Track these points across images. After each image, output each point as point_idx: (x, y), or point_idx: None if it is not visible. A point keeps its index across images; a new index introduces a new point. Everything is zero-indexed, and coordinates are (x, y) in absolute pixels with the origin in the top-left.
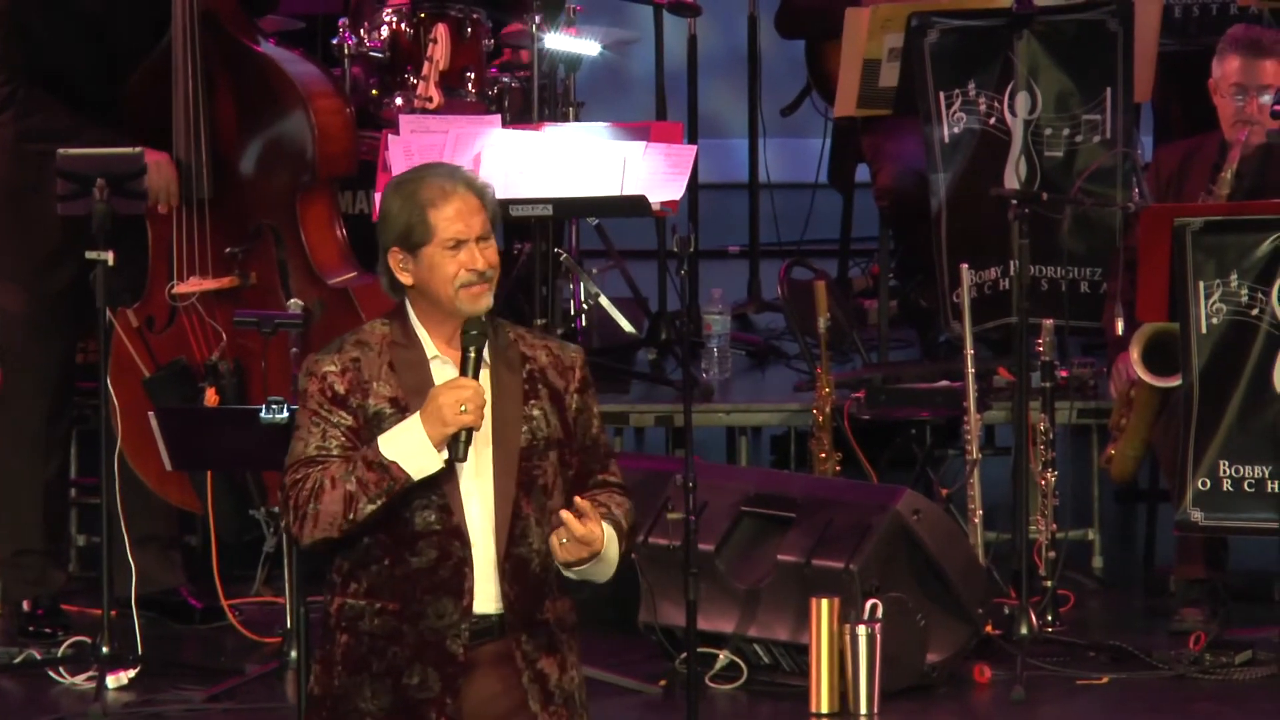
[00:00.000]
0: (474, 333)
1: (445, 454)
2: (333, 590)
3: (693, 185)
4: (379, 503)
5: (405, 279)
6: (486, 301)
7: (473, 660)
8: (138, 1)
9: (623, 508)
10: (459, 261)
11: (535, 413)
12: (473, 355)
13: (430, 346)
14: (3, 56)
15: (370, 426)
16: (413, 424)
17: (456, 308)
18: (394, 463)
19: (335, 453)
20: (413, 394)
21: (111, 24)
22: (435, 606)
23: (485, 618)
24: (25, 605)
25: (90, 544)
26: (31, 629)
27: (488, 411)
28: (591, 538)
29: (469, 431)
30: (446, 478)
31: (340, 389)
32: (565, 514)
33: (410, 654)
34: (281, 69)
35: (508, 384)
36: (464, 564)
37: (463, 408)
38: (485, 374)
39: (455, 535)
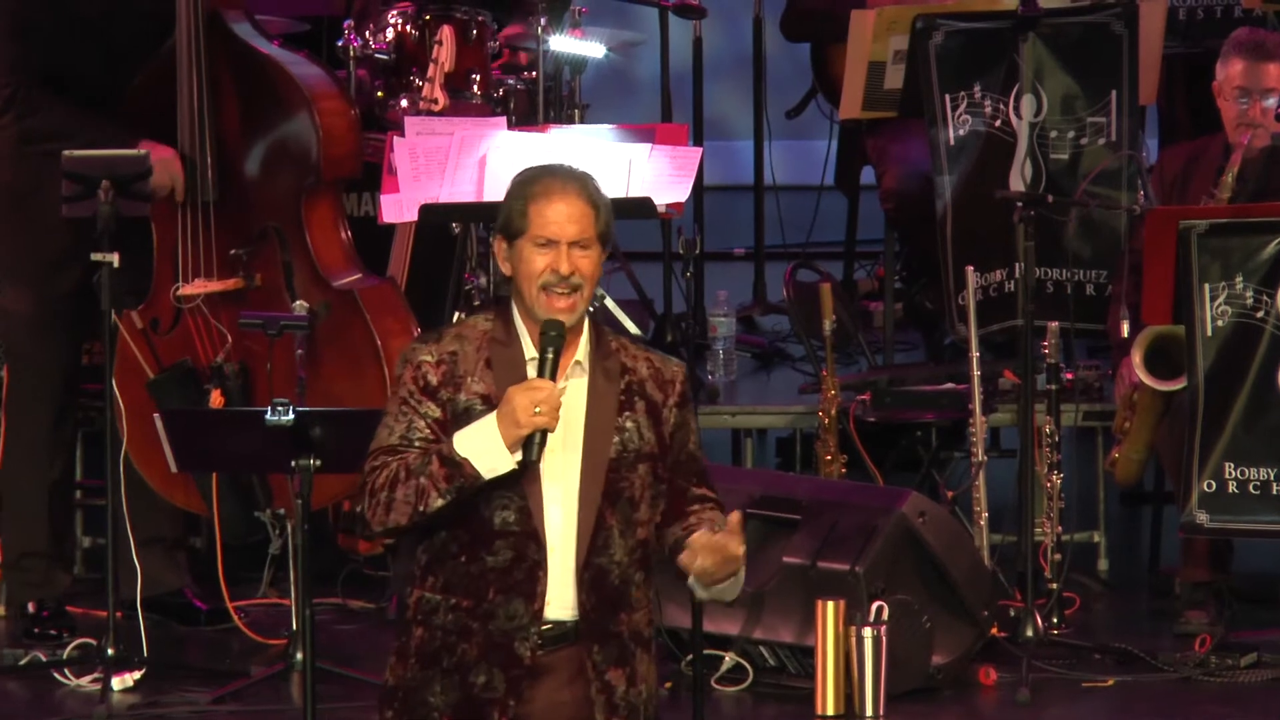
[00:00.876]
0: (553, 334)
1: (519, 455)
2: (412, 582)
3: (698, 187)
4: (448, 498)
5: (505, 269)
6: (566, 311)
7: (542, 665)
8: (140, 2)
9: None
10: (546, 260)
11: (629, 425)
12: (550, 356)
13: (529, 347)
14: (5, 58)
15: (458, 421)
16: (488, 423)
17: (537, 309)
18: (466, 460)
19: (417, 444)
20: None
21: (114, 25)
22: (507, 608)
23: (560, 624)
24: (30, 607)
25: (95, 546)
26: (36, 631)
27: (580, 419)
28: (740, 555)
29: (543, 433)
30: (529, 480)
31: (433, 380)
32: (733, 518)
33: (478, 653)
34: (286, 71)
35: (604, 393)
36: (538, 567)
37: (537, 409)
38: (583, 381)
39: (532, 538)
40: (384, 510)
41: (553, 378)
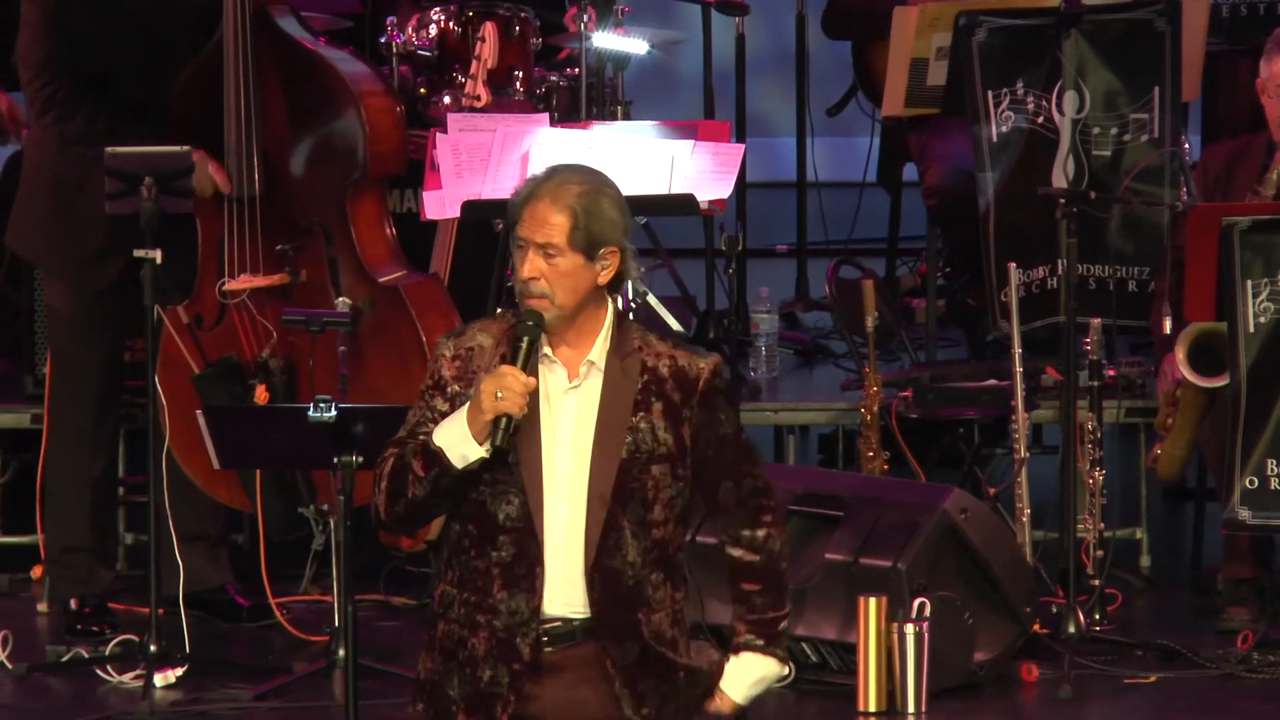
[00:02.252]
0: (529, 322)
1: (490, 444)
2: (438, 577)
3: (740, 184)
4: (427, 488)
5: None
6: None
7: (550, 663)
8: (183, 0)
9: (767, 593)
10: (520, 260)
11: (643, 425)
12: (524, 345)
13: (544, 343)
14: (47, 58)
15: None
16: (461, 413)
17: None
18: (440, 450)
19: (420, 437)
20: None
21: (158, 23)
22: (509, 603)
23: (567, 621)
24: (72, 604)
25: (138, 542)
26: (79, 627)
27: (593, 419)
28: None
29: (509, 419)
30: (531, 476)
31: (446, 374)
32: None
33: (485, 648)
34: (333, 67)
35: (619, 393)
36: (536, 564)
37: (498, 395)
38: (598, 381)
39: (531, 535)
40: (384, 500)
41: (524, 366)
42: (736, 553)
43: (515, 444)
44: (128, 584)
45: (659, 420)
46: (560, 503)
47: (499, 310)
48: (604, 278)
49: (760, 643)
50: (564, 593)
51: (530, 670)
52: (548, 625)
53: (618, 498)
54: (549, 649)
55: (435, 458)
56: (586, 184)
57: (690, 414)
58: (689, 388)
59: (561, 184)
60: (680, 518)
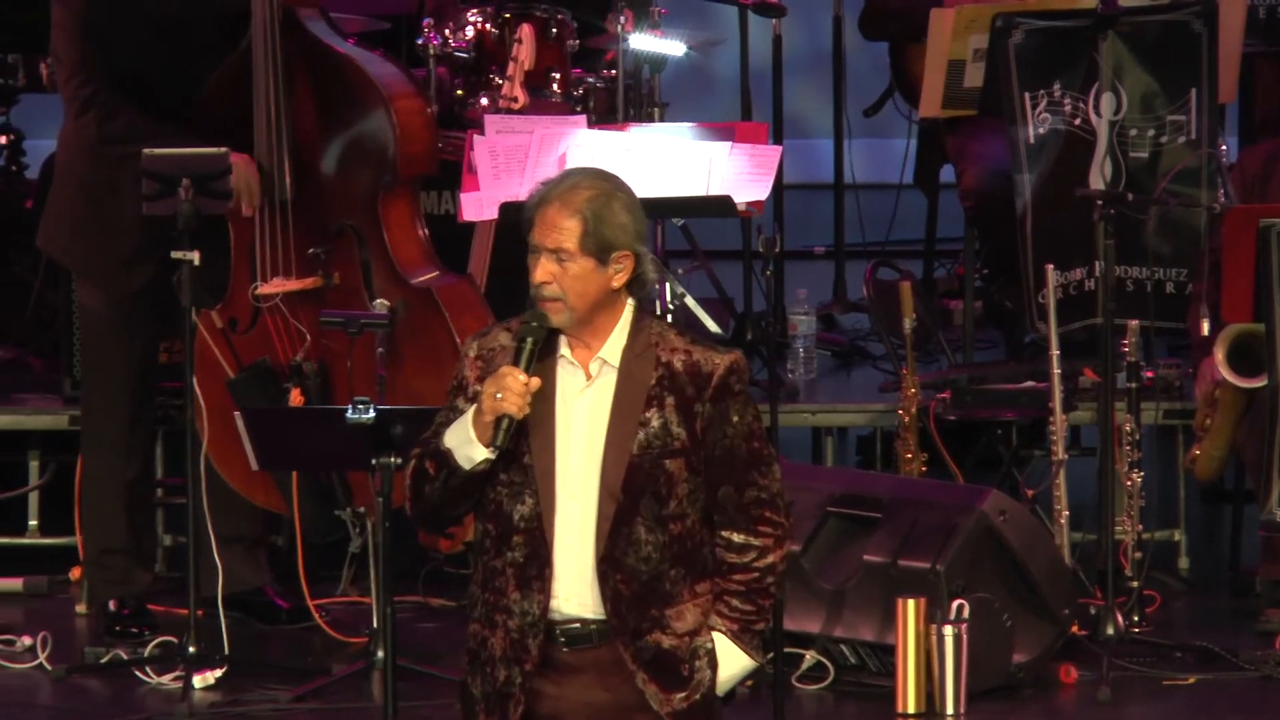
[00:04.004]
0: (532, 324)
1: (493, 445)
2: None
3: (778, 186)
4: (440, 489)
5: None
6: (553, 320)
7: (564, 663)
8: (213, 4)
9: (744, 596)
10: (535, 265)
11: (655, 421)
12: (527, 346)
13: (563, 345)
14: (83, 59)
15: None
16: (468, 415)
17: None
18: (449, 451)
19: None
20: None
21: (189, 28)
22: (521, 604)
23: (584, 623)
24: (111, 605)
25: (177, 544)
26: (118, 629)
27: (605, 417)
28: None
29: (510, 420)
30: (544, 475)
31: (469, 375)
32: None
33: (501, 649)
34: (362, 69)
35: (631, 390)
36: (546, 564)
37: (498, 395)
38: (611, 379)
39: (542, 535)
40: (410, 499)
41: (526, 367)
42: (722, 554)
43: (531, 445)
44: (166, 585)
45: (672, 415)
46: (572, 502)
47: None
48: (618, 281)
49: (733, 628)
50: (577, 592)
51: (540, 670)
52: (565, 625)
53: (629, 493)
54: (566, 649)
55: (444, 459)
56: (597, 188)
57: (702, 409)
58: (702, 383)
59: (572, 188)
60: (706, 513)
